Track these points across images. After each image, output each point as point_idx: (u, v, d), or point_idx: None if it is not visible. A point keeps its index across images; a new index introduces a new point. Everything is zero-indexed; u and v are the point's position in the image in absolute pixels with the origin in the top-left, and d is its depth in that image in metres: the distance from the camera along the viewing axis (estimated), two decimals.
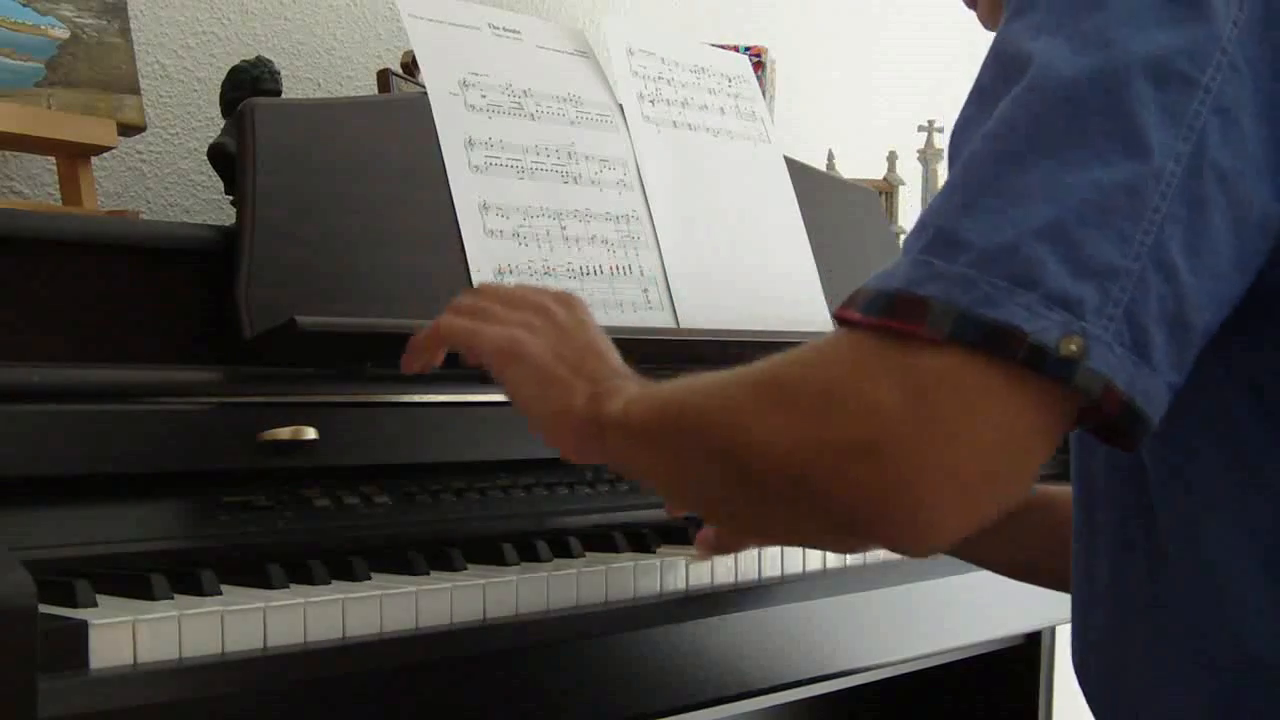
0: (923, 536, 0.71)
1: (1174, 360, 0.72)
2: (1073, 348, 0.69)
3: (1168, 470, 0.82)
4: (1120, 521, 0.86)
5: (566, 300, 1.05)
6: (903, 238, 2.21)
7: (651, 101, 1.60)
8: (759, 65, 1.97)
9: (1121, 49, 0.72)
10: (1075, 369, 0.69)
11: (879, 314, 0.72)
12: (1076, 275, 0.69)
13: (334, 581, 1.04)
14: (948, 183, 0.75)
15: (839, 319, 0.74)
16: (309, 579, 1.03)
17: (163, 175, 1.71)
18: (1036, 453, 0.72)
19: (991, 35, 0.82)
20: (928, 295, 0.70)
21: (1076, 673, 0.94)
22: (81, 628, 0.86)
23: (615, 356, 1.00)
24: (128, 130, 1.47)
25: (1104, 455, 0.88)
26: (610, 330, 1.12)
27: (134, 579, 0.96)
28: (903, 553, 0.75)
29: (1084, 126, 0.71)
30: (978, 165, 0.73)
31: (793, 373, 0.75)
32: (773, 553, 1.26)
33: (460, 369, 1.11)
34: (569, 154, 1.48)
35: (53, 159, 1.45)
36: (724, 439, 0.77)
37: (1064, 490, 1.01)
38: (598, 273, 1.44)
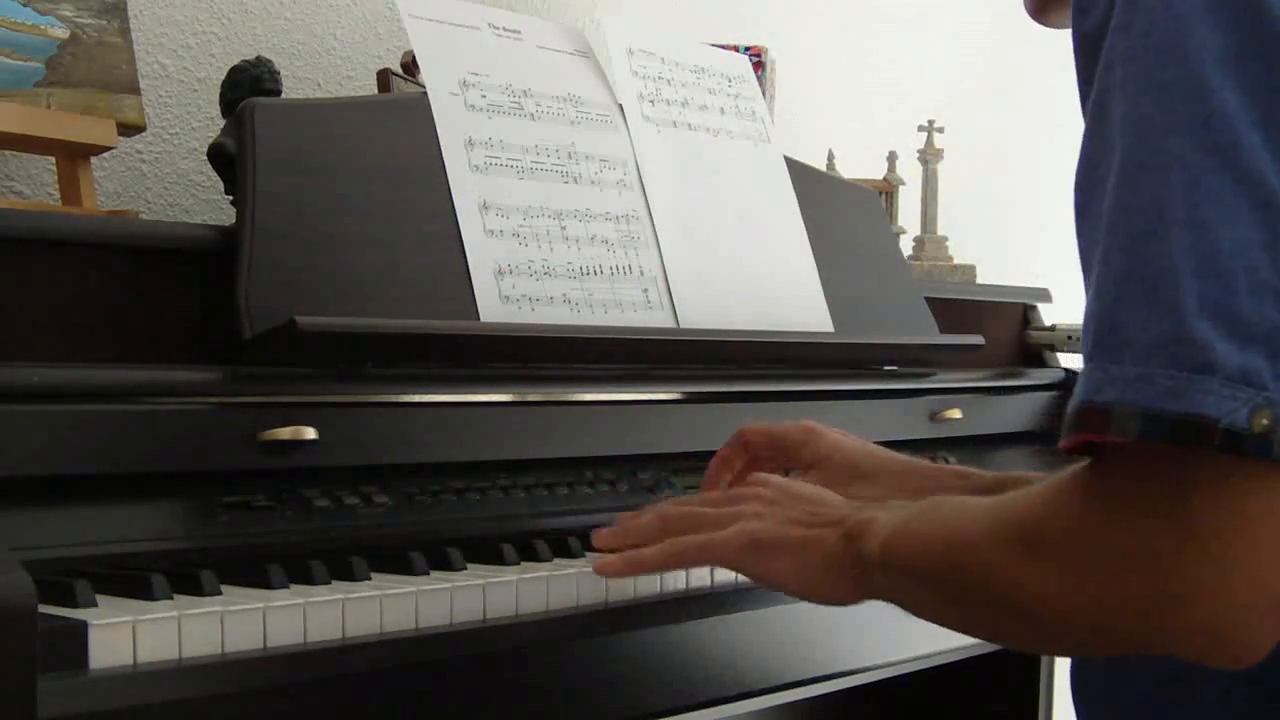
0: (1250, 654, 0.72)
1: None
2: (1265, 422, 0.68)
3: None
4: None
5: (763, 480, 1.05)
6: (903, 238, 2.20)
7: (651, 101, 1.60)
8: (759, 65, 1.97)
9: (1220, 98, 0.70)
10: (1273, 440, 0.68)
11: (1073, 431, 0.72)
12: (1245, 346, 0.68)
13: (334, 581, 1.04)
14: (1096, 281, 0.74)
15: (1063, 449, 0.75)
16: (309, 579, 1.03)
17: (163, 175, 1.71)
18: None
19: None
20: (1109, 401, 0.70)
21: (1072, 675, 0.94)
22: (81, 628, 0.86)
23: (831, 494, 1.01)
24: (128, 130, 1.47)
25: None
26: (610, 330, 1.12)
27: (134, 579, 0.96)
28: (1237, 668, 0.73)
29: (1203, 187, 0.70)
30: (1115, 257, 0.72)
31: (1047, 520, 0.75)
32: None
33: (460, 369, 1.11)
34: (569, 154, 1.48)
35: (53, 159, 1.45)
36: (1007, 599, 0.77)
37: None
38: (598, 273, 1.44)
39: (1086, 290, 0.75)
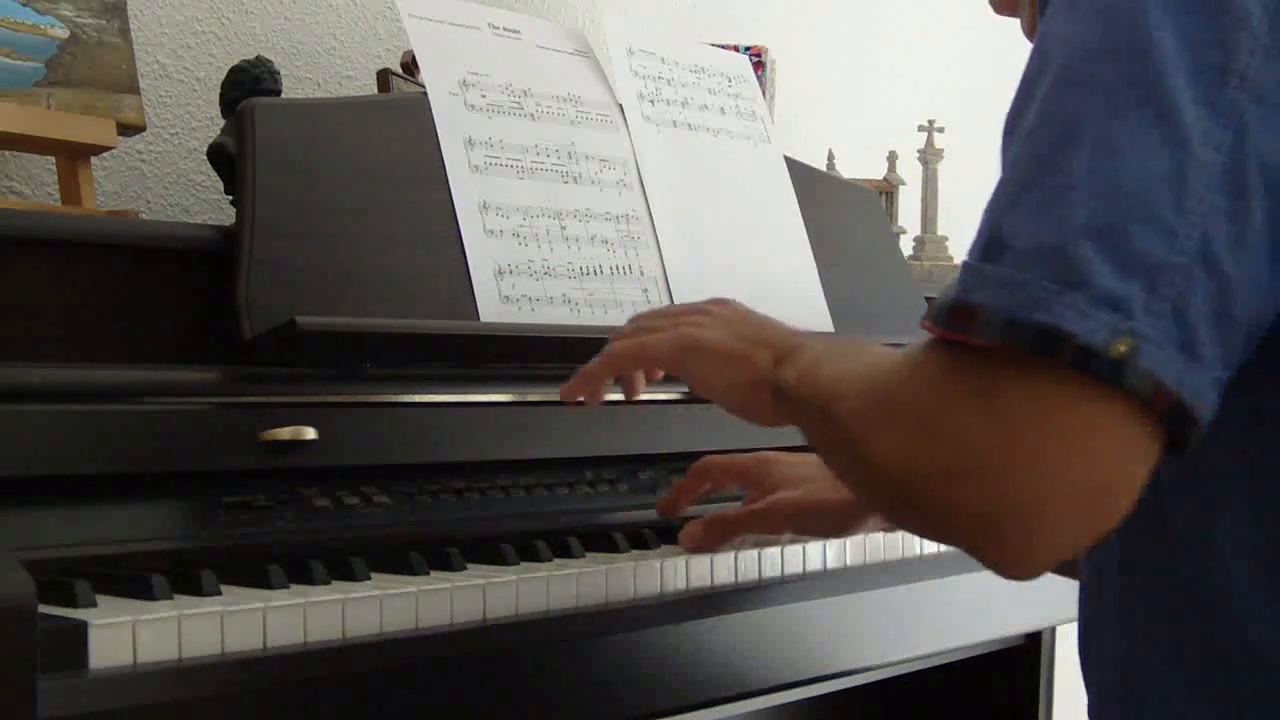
0: (1022, 562, 0.73)
1: (1221, 355, 0.71)
2: (1122, 348, 0.68)
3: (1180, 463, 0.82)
4: (1131, 514, 0.86)
5: (720, 300, 1.08)
6: (903, 238, 2.21)
7: (651, 101, 1.60)
8: (759, 65, 1.97)
9: (1156, 38, 0.71)
10: (1126, 369, 0.68)
11: (940, 324, 0.73)
12: (1123, 273, 0.69)
13: (334, 581, 1.04)
14: (997, 184, 0.75)
15: (924, 327, 0.76)
16: (309, 579, 1.03)
17: (163, 175, 1.71)
18: (1125, 465, 0.71)
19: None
20: (975, 302, 0.71)
21: (1082, 663, 0.94)
22: (81, 628, 0.86)
23: (786, 326, 1.03)
24: (127, 130, 1.47)
25: None
26: (610, 330, 1.12)
27: (134, 579, 0.96)
28: (1009, 575, 0.75)
29: (1121, 115, 0.71)
30: (1021, 163, 0.73)
31: (893, 389, 0.77)
32: (772, 553, 1.26)
33: (460, 369, 1.11)
34: (569, 154, 1.48)
35: (53, 159, 1.45)
36: (853, 444, 0.79)
37: None
38: (598, 273, 1.44)
39: None
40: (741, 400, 1.00)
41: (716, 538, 1.22)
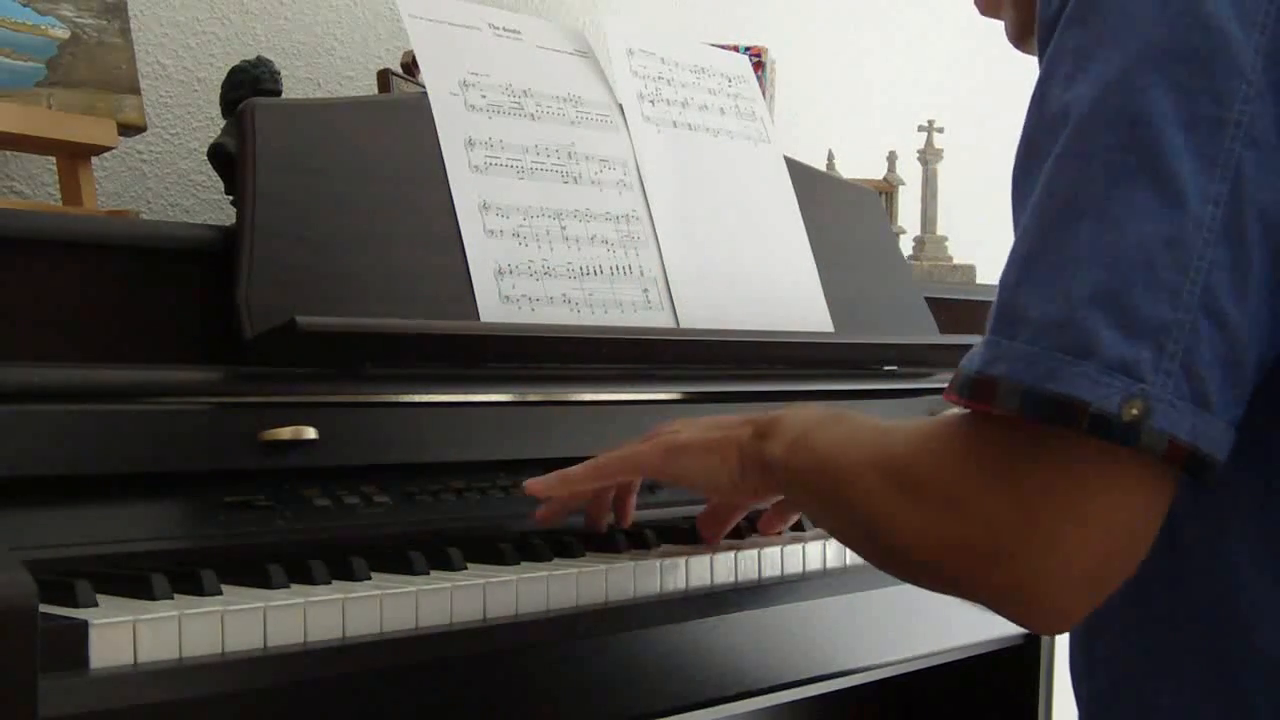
0: (1055, 624, 0.78)
1: (1231, 399, 0.73)
2: (1134, 411, 0.71)
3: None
4: None
5: (686, 420, 1.12)
6: (903, 238, 2.21)
7: (651, 101, 1.60)
8: (759, 65, 1.97)
9: (1150, 98, 0.72)
10: (1140, 430, 0.71)
11: (965, 395, 0.76)
12: (1130, 337, 0.71)
13: (334, 581, 1.04)
14: (1010, 255, 0.77)
15: (947, 399, 0.79)
16: (309, 579, 1.03)
17: (163, 175, 1.71)
18: (1144, 525, 0.75)
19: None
20: (997, 375, 0.74)
21: (1072, 674, 0.94)
22: (81, 628, 0.86)
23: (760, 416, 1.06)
24: (128, 130, 1.47)
25: None
26: (610, 330, 1.13)
27: (134, 579, 0.96)
28: (1043, 633, 0.80)
29: (1119, 184, 0.72)
30: (1028, 237, 0.76)
31: (918, 462, 0.80)
32: (772, 553, 1.26)
33: (460, 369, 1.11)
34: (569, 154, 1.48)
35: (53, 159, 1.45)
36: (873, 521, 0.83)
37: None
38: (598, 273, 1.44)
39: None
40: (733, 483, 1.04)
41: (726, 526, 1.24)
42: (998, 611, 0.78)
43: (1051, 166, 0.75)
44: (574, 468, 1.15)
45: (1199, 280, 0.71)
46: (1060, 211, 0.74)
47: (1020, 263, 0.76)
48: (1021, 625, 0.79)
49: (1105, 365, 0.71)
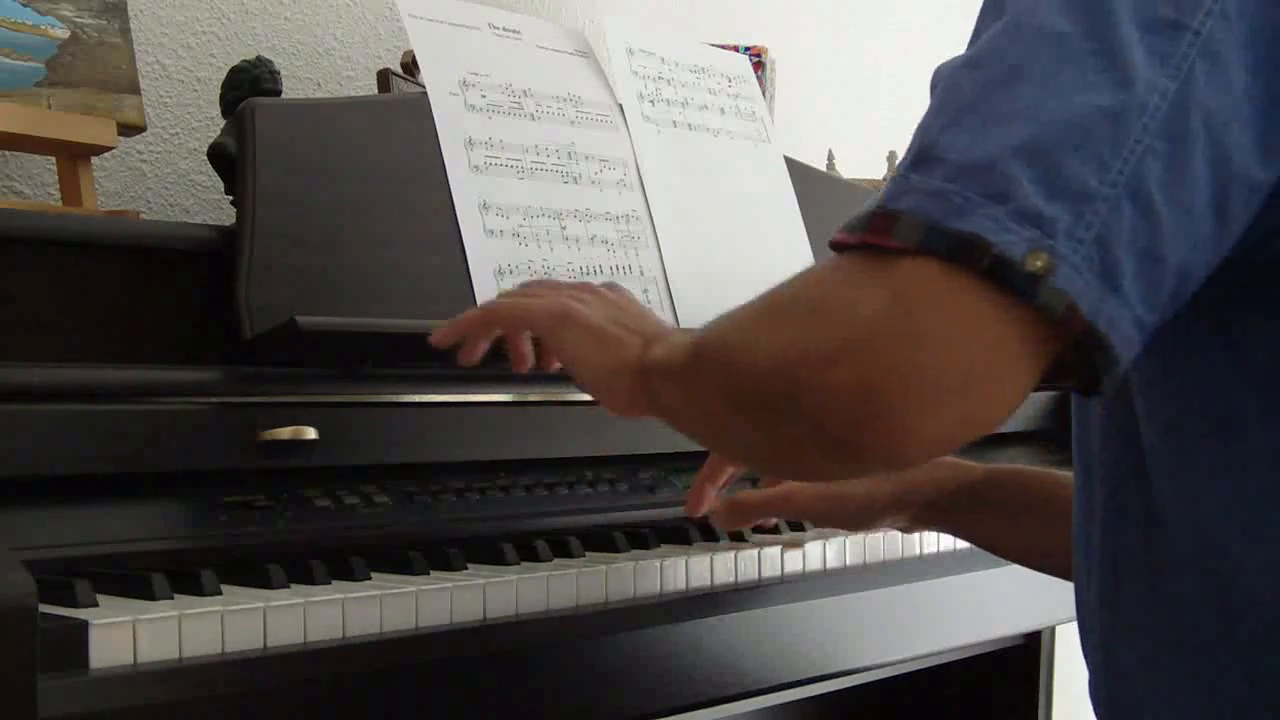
0: (900, 442, 0.71)
1: (1144, 294, 0.71)
2: (1038, 264, 0.68)
3: (1159, 436, 0.82)
4: (1116, 488, 0.87)
5: (613, 285, 1.08)
6: None
7: (651, 101, 1.60)
8: (759, 65, 1.97)
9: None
10: (1040, 285, 0.68)
11: (859, 231, 0.73)
12: (1050, 195, 0.69)
13: (334, 581, 1.04)
14: (931, 104, 0.76)
15: (831, 245, 0.76)
16: (309, 579, 1.03)
17: (163, 175, 1.71)
18: (1013, 373, 0.71)
19: None
20: (900, 209, 0.71)
21: (1082, 643, 0.94)
22: (81, 628, 0.86)
23: (669, 324, 1.03)
24: (128, 130, 1.47)
25: (1100, 422, 0.88)
26: None
27: (134, 579, 0.96)
28: (886, 467, 0.74)
29: (1071, 57, 0.71)
30: (964, 87, 0.74)
31: (787, 292, 0.78)
32: (772, 553, 1.26)
33: (460, 369, 1.11)
34: (569, 154, 1.48)
35: (53, 159, 1.45)
36: (729, 362, 0.79)
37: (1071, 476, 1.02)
38: (598, 273, 1.44)
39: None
40: (604, 383, 1.00)
41: (735, 519, 1.24)
42: (844, 433, 0.71)
43: (999, 33, 0.74)
44: (468, 313, 1.10)
45: (1131, 161, 0.70)
46: (1004, 73, 0.72)
47: (950, 109, 0.74)
48: (867, 445, 0.71)
49: (1019, 213, 0.69)
